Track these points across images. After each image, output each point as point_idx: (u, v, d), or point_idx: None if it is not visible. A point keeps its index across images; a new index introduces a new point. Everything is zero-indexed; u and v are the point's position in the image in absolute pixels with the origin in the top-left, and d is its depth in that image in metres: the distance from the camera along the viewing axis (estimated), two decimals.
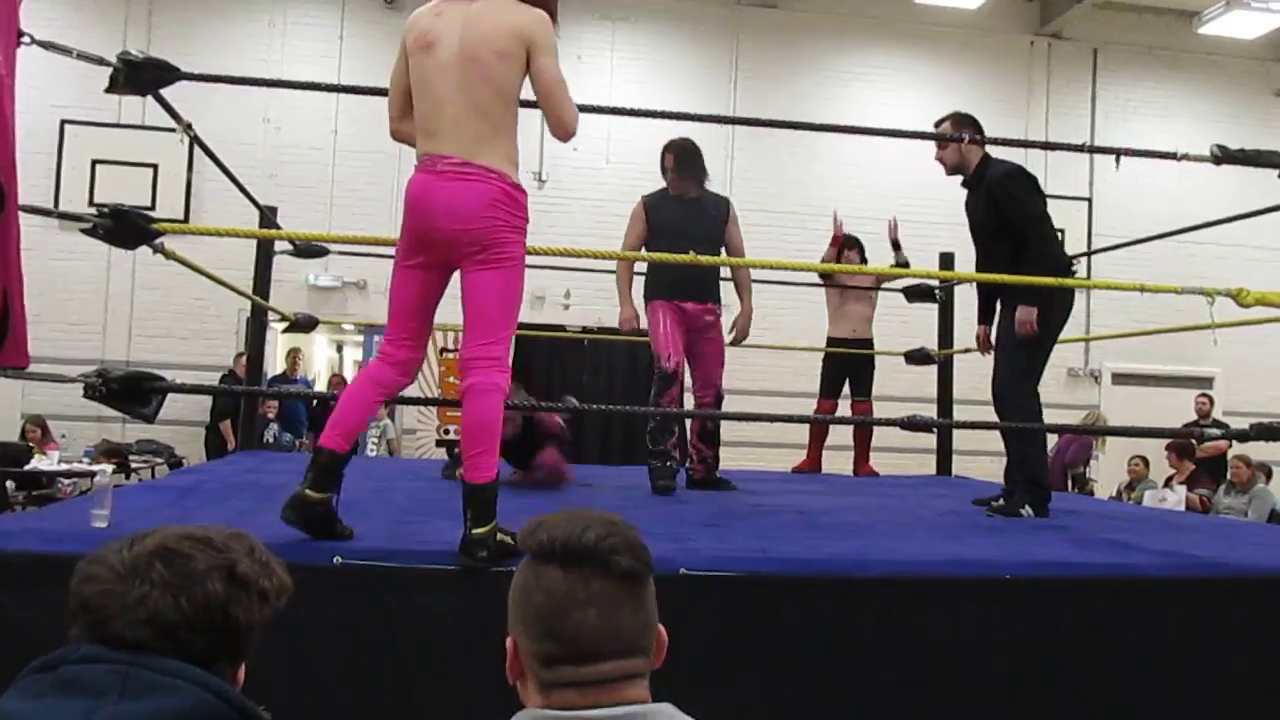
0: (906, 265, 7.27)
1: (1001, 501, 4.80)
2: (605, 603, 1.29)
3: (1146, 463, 10.05)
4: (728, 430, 9.14)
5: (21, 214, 2.87)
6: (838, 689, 2.84)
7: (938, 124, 4.85)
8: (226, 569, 1.21)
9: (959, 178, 4.94)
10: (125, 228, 3.20)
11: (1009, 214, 4.63)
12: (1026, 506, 4.51)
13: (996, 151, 4.80)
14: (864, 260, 7.56)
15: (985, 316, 5.21)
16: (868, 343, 7.48)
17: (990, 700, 2.90)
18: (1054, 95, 12.46)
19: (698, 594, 2.83)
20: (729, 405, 10.15)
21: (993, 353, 4.96)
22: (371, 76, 11.06)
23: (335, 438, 2.93)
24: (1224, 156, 3.76)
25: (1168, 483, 9.66)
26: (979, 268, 4.81)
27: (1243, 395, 11.29)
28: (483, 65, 2.86)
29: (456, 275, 3.00)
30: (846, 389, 7.43)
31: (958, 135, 4.32)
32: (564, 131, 3.08)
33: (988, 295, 5.17)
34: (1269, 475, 9.30)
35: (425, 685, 2.69)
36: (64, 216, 3.24)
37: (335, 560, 2.75)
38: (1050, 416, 11.37)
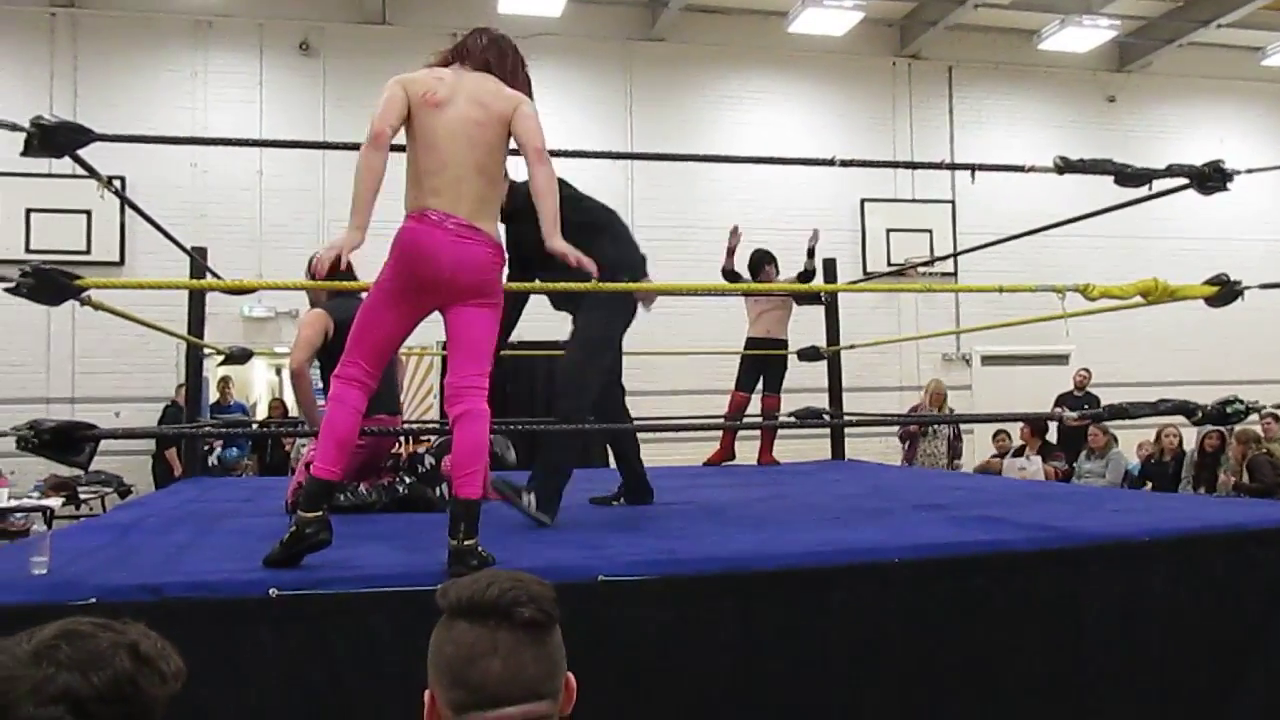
0: (812, 273, 7.40)
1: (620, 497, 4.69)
2: (509, 651, 1.29)
3: (1009, 436, 10.28)
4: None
5: None
6: (752, 681, 2.83)
7: None
8: (130, 646, 1.14)
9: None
10: (47, 285, 3.05)
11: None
12: (531, 496, 3.80)
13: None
14: (778, 269, 7.64)
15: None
16: (782, 343, 7.59)
17: (887, 679, 2.92)
18: (916, 110, 12.69)
19: (616, 599, 2.79)
20: (642, 405, 10.22)
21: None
22: (290, 120, 10.87)
23: (328, 467, 2.89)
24: (1065, 167, 3.84)
25: (1020, 451, 9.88)
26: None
27: (1096, 368, 11.57)
28: (485, 130, 2.94)
29: None
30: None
31: (829, 160, 4.30)
32: (539, 188, 3.04)
33: None
34: (1116, 440, 9.58)
35: (366, 714, 2.60)
36: None
37: (271, 592, 2.65)
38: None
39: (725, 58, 12.22)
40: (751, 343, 7.60)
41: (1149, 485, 9.20)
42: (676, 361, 10.38)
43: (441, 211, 2.89)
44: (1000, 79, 12.97)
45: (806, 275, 7.42)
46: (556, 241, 3.04)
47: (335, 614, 2.66)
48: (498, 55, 3.13)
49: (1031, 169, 3.90)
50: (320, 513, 2.84)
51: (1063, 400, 10.82)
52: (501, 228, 3.17)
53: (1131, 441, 9.87)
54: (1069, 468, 9.70)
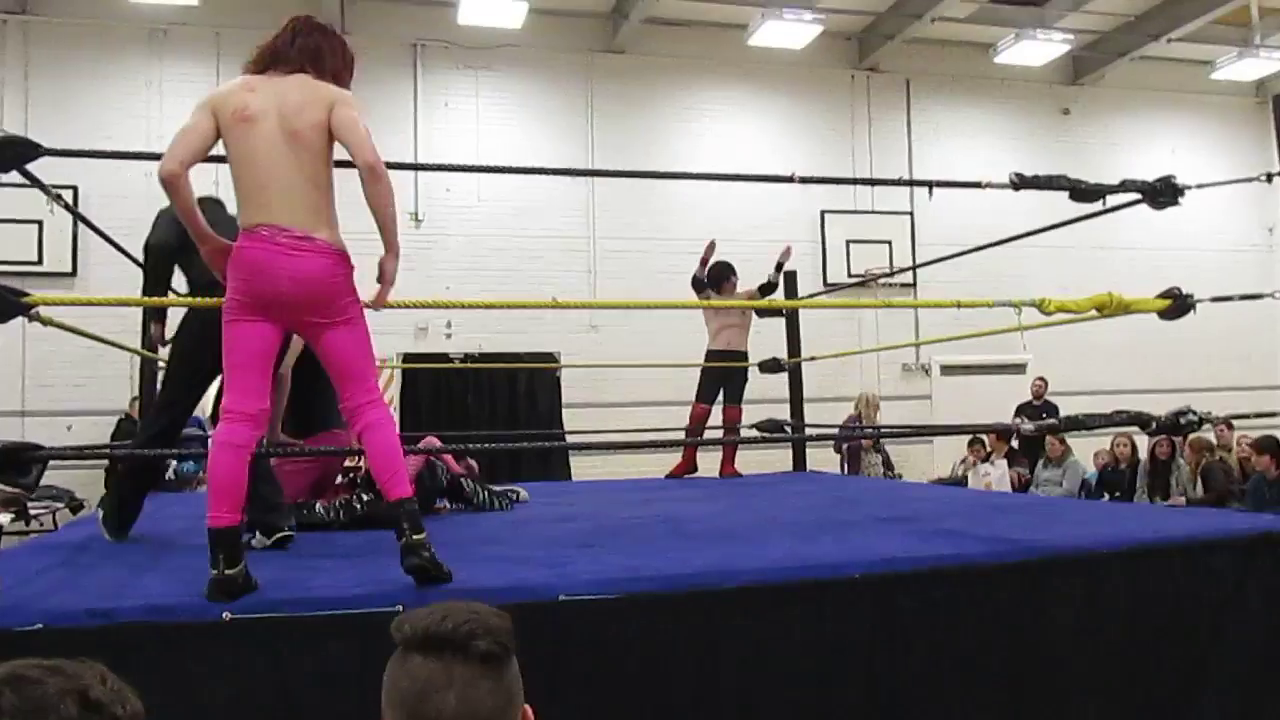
0: (774, 286, 7.46)
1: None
2: (464, 685, 1.27)
3: (984, 445, 10.35)
4: (612, 440, 9.18)
5: None
6: (717, 700, 2.81)
7: None
8: (80, 692, 1.09)
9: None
10: None
11: None
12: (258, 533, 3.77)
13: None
14: (736, 280, 7.67)
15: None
16: (742, 355, 7.60)
17: (853, 694, 2.91)
18: (875, 122, 12.78)
19: (576, 619, 2.76)
20: (604, 416, 10.22)
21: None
22: None
23: (225, 514, 2.77)
24: (1021, 183, 3.87)
25: (988, 458, 9.97)
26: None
27: (1053, 377, 11.70)
28: (303, 138, 2.82)
29: None
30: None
31: (789, 177, 4.29)
32: (367, 155, 2.82)
33: None
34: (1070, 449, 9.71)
35: None
36: None
37: (225, 616, 2.59)
38: (888, 408, 11.80)
39: (686, 70, 12.25)
40: (712, 355, 7.60)
41: (1106, 495, 9.31)
42: (637, 373, 10.37)
43: (275, 226, 2.79)
44: (958, 91, 13.11)
45: (768, 288, 7.46)
46: (392, 263, 2.91)
47: (291, 638, 2.60)
48: (313, 54, 2.97)
49: (988, 185, 3.92)
50: (240, 565, 2.72)
51: (1022, 410, 10.93)
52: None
53: (1088, 449, 9.98)
54: (1029, 475, 9.81)
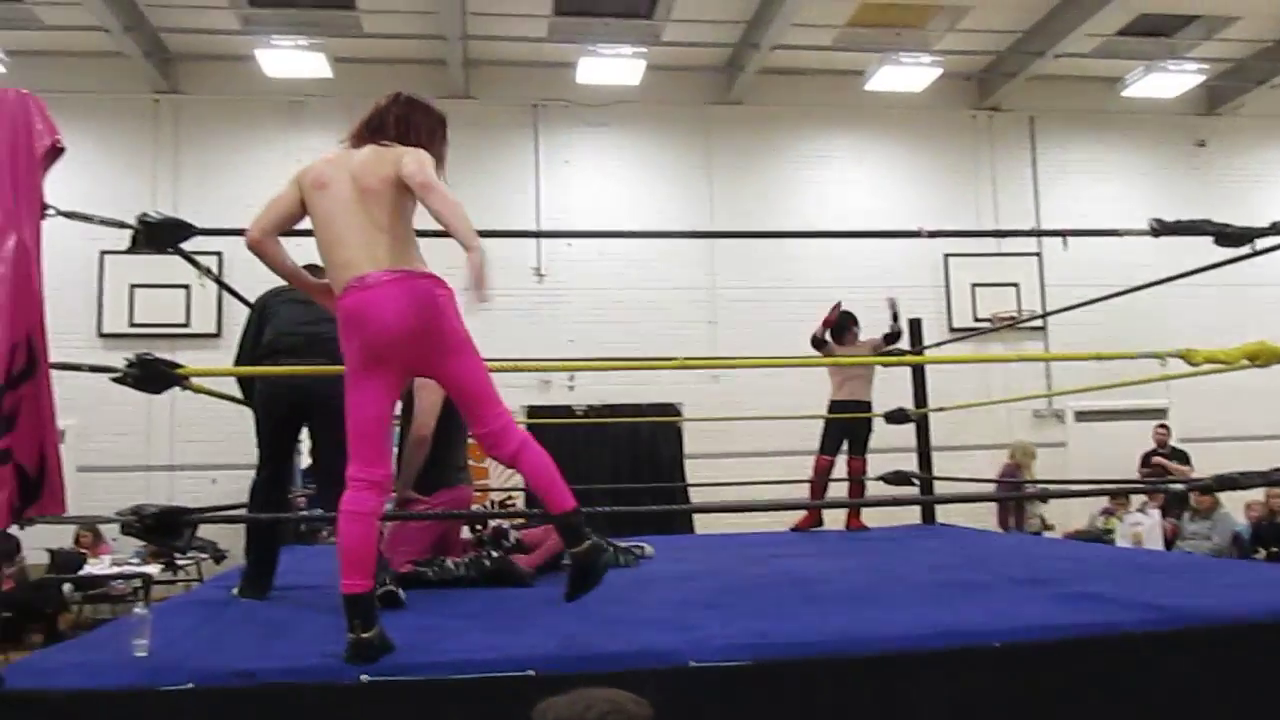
0: (898, 334, 7.44)
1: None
2: None
3: (1128, 497, 9.88)
4: (733, 493, 9.10)
5: (68, 337, 2.81)
6: None
7: None
8: None
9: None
10: (151, 375, 3.14)
11: None
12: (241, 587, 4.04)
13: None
14: (859, 330, 7.65)
15: None
16: (865, 405, 7.49)
17: None
18: (998, 163, 12.51)
19: (707, 686, 2.73)
20: (727, 466, 10.14)
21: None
22: None
23: (358, 582, 2.83)
24: (1161, 229, 3.70)
25: (1143, 508, 9.50)
26: None
27: (1195, 423, 11.18)
28: (374, 191, 2.93)
29: None
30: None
31: (915, 232, 4.18)
32: (416, 183, 2.88)
33: None
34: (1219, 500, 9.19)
35: None
36: (96, 370, 3.16)
37: (362, 679, 2.65)
38: None
39: (803, 118, 12.23)
40: (835, 406, 7.52)
41: (1261, 552, 8.76)
42: (760, 422, 10.27)
43: (360, 274, 2.89)
44: (1084, 127, 12.74)
45: (893, 337, 7.38)
46: (475, 257, 2.82)
47: (425, 701, 2.64)
48: (398, 124, 3.09)
49: (1127, 233, 3.76)
50: (375, 629, 2.80)
51: (1149, 458, 10.46)
52: None
53: (1239, 501, 9.44)
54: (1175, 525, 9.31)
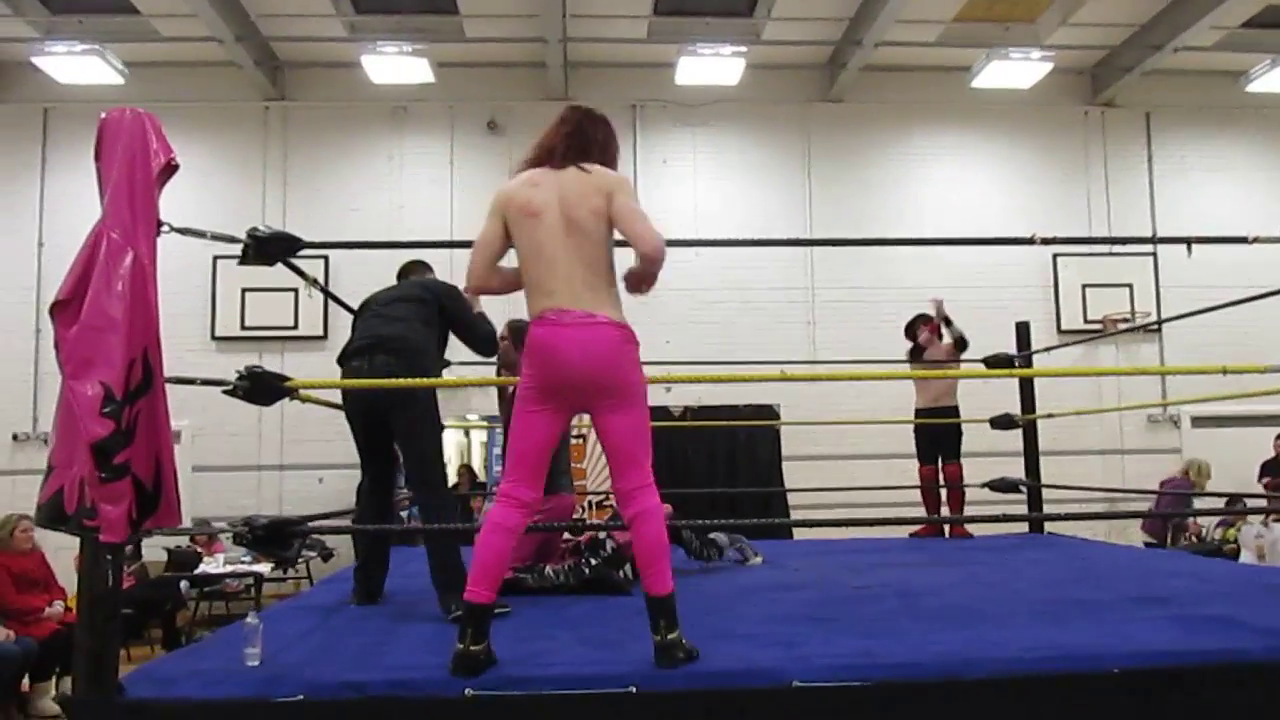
0: (963, 338, 7.43)
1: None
2: None
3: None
4: (834, 498, 8.99)
5: (182, 340, 2.91)
6: None
7: None
8: None
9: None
10: (260, 388, 3.24)
11: None
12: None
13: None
14: (926, 330, 7.64)
15: None
16: (951, 410, 7.40)
17: None
18: (1111, 160, 12.07)
19: (810, 707, 2.68)
20: (825, 469, 10.02)
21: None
22: (477, 195, 11.28)
23: (483, 591, 2.89)
24: None
25: (1265, 520, 9.08)
26: None
27: None
28: (583, 225, 2.98)
29: None
30: None
31: (1029, 239, 3.99)
32: (649, 248, 2.99)
33: None
34: None
35: None
36: (209, 384, 3.26)
37: (466, 693, 2.67)
38: (1132, 461, 11.08)
39: (906, 116, 11.99)
40: (921, 413, 7.47)
41: None
42: (858, 425, 10.12)
43: (559, 308, 2.95)
44: (1203, 123, 12.21)
45: (961, 343, 7.36)
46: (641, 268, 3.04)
47: (527, 716, 2.65)
48: (581, 145, 3.13)
49: (1256, 240, 3.58)
50: (484, 642, 2.84)
51: (1268, 468, 10.00)
52: None
53: None
54: None
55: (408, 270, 4.73)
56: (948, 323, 7.42)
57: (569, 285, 2.96)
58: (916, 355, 7.68)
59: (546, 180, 3.06)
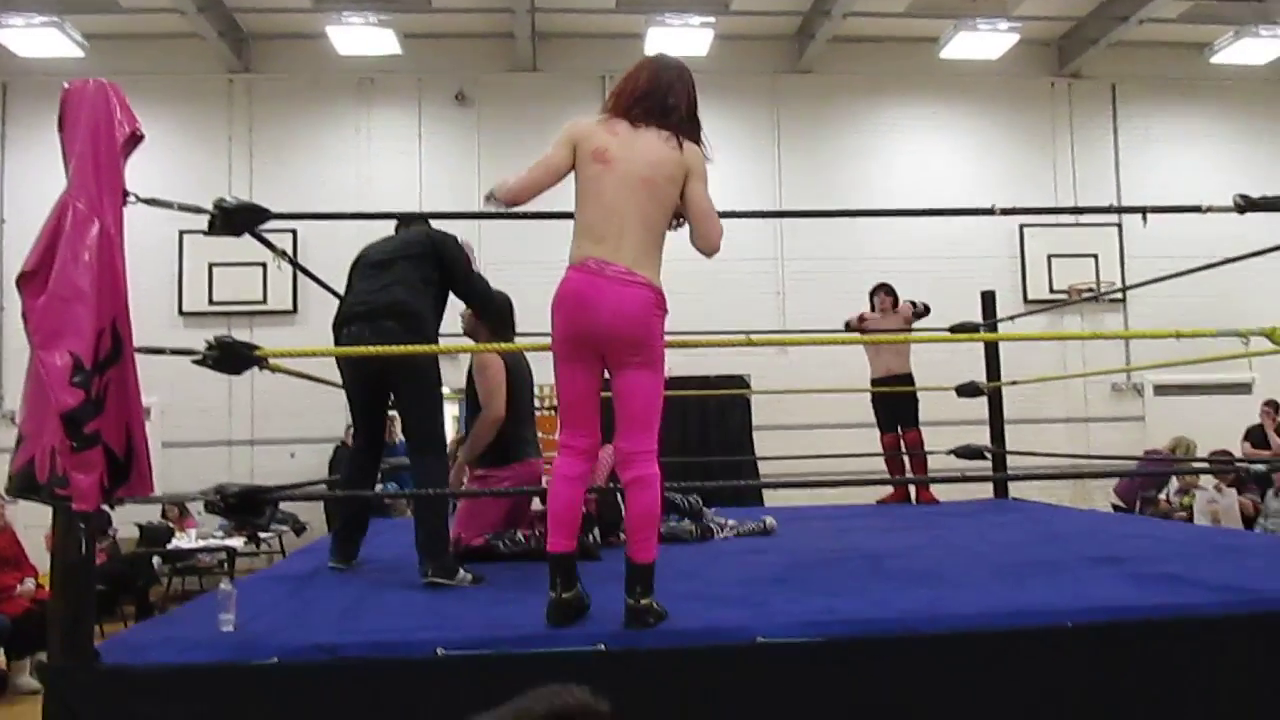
0: (927, 308, 7.65)
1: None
2: None
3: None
4: (803, 465, 9.10)
5: (150, 316, 2.92)
6: None
7: None
8: None
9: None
10: (230, 357, 3.25)
11: None
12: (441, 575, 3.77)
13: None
14: (896, 301, 7.80)
15: None
16: (905, 378, 7.53)
17: None
18: (1077, 131, 12.20)
19: (774, 662, 2.76)
20: (794, 438, 10.12)
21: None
22: (446, 168, 11.29)
23: (564, 540, 2.97)
24: (1247, 205, 3.61)
25: (1217, 485, 9.27)
26: None
27: None
28: (655, 187, 2.99)
29: None
30: None
31: (989, 210, 4.05)
32: (710, 246, 3.12)
33: None
34: None
35: None
36: (178, 353, 3.28)
37: (438, 651, 2.72)
38: (1096, 429, 11.24)
39: (875, 86, 12.05)
40: (876, 383, 7.61)
41: None
42: (827, 394, 10.21)
43: (601, 259, 2.94)
44: (1169, 95, 12.35)
45: (923, 311, 7.53)
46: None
47: (498, 675, 2.70)
48: (663, 105, 3.10)
49: (1209, 209, 3.67)
50: (575, 589, 2.93)
51: (1251, 434, 10.15)
52: None
53: None
54: (1261, 502, 9.06)
55: (406, 222, 4.57)
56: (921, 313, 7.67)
57: (619, 239, 2.95)
58: (856, 328, 7.81)
59: (627, 134, 3.04)
